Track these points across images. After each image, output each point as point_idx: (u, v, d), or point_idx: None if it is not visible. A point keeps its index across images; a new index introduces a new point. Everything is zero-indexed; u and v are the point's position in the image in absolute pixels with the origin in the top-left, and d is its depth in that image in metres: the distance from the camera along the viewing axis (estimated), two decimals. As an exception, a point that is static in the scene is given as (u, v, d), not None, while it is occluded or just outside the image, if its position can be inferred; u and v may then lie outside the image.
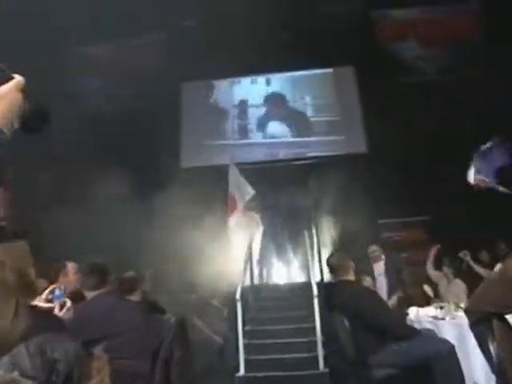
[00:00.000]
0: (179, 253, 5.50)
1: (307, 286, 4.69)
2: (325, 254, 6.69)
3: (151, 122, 8.26)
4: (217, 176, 7.01)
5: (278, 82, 8.87)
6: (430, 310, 3.71)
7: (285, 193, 7.41)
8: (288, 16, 8.72)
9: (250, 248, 5.77)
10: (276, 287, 5.46)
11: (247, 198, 5.93)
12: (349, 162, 7.86)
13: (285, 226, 6.72)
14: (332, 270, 3.12)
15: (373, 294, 3.02)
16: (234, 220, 5.84)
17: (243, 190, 5.97)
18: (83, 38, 8.99)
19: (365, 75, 8.46)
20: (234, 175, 6.11)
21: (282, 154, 8.28)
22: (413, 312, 3.79)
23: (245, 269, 5.02)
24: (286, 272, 5.89)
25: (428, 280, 5.20)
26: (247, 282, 5.40)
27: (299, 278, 5.76)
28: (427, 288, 4.81)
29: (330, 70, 8.70)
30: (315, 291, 4.28)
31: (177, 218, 5.74)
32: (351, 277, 3.08)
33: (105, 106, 9.04)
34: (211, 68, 8.62)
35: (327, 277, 4.81)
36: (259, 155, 8.20)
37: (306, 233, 6.39)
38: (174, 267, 5.27)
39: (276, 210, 6.82)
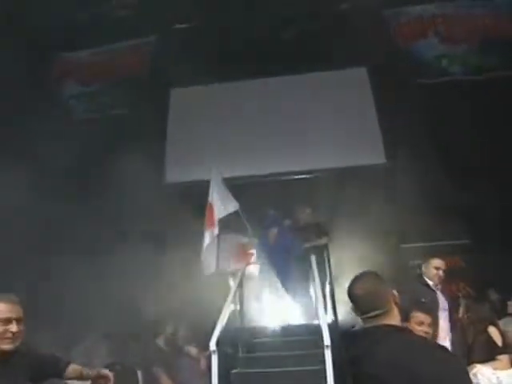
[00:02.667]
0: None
1: (314, 330, 3.27)
2: (339, 287, 5.28)
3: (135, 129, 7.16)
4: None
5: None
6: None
7: (288, 211, 6.10)
8: (295, 14, 7.77)
9: (240, 281, 4.39)
10: (272, 332, 4.03)
11: (225, 212, 4.59)
12: (365, 174, 6.55)
13: (287, 251, 5.32)
14: (360, 306, 1.70)
15: (455, 362, 1.52)
16: (209, 237, 4.47)
17: (224, 200, 4.66)
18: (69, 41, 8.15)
19: (380, 77, 7.32)
20: (216, 182, 4.81)
21: (283, 166, 6.98)
22: (486, 375, 2.34)
23: (226, 307, 3.61)
24: (286, 311, 4.44)
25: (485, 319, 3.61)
26: (233, 326, 3.99)
27: (303, 319, 4.32)
28: (494, 331, 3.24)
29: (341, 72, 7.53)
30: (327, 339, 2.86)
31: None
32: (395, 320, 1.66)
33: (88, 111, 8.08)
34: (204, 72, 7.59)
35: (350, 319, 3.36)
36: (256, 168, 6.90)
37: (313, 259, 5.01)
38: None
39: (275, 232, 5.46)
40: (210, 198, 4.66)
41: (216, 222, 4.44)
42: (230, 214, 4.67)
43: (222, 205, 4.58)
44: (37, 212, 5.33)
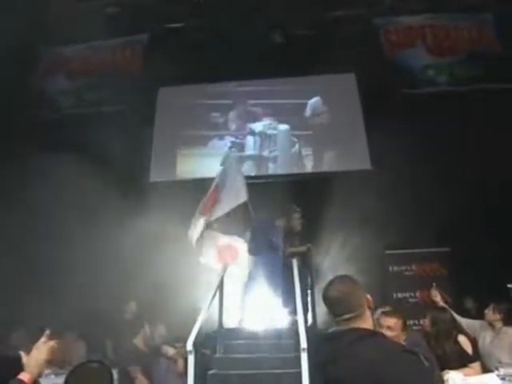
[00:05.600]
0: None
1: (292, 333, 3.27)
2: (318, 290, 5.28)
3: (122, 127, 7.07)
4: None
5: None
6: (489, 380, 2.30)
7: (271, 213, 6.10)
8: (286, 19, 7.80)
9: (220, 281, 4.35)
10: (251, 335, 4.01)
11: (235, 203, 4.48)
12: (350, 180, 6.58)
13: (268, 253, 5.31)
14: (333, 309, 1.71)
15: (424, 367, 1.53)
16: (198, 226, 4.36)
17: (239, 189, 4.50)
18: (58, 36, 8.02)
19: (368, 84, 7.38)
20: (235, 169, 4.64)
21: (271, 168, 6.99)
22: (456, 381, 2.37)
23: (205, 308, 3.59)
24: (266, 313, 4.42)
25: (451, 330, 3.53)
26: (211, 327, 3.97)
27: (282, 321, 4.32)
28: (464, 340, 3.27)
29: (329, 77, 7.57)
30: (304, 342, 2.87)
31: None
32: (368, 323, 1.68)
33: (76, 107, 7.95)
34: (194, 72, 7.57)
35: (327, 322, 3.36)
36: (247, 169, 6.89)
37: (295, 263, 5.00)
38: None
39: (257, 233, 5.44)
40: (217, 182, 4.50)
41: (212, 210, 4.32)
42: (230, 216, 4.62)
43: (234, 194, 4.44)
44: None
